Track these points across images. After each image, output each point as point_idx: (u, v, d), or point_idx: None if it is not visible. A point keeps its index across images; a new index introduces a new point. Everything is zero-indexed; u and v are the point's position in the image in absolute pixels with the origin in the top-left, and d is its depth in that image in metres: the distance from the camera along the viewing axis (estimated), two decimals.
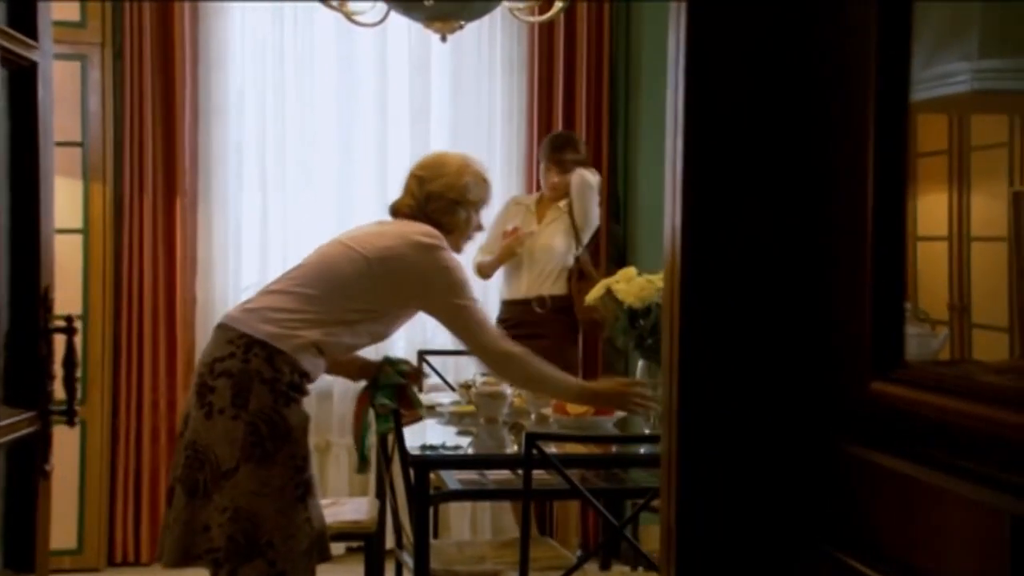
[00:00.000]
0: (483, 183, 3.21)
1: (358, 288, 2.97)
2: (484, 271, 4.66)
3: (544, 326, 4.59)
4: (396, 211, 3.21)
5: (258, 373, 2.82)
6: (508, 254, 4.60)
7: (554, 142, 4.70)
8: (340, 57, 5.15)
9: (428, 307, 3.07)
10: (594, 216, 4.63)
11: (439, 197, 3.14)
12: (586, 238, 4.65)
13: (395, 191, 3.41)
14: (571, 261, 4.65)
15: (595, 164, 5.13)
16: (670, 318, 1.14)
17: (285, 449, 2.83)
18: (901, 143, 0.98)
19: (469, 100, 5.20)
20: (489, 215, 3.76)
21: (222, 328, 2.94)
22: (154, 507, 4.94)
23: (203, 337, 4.94)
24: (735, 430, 1.12)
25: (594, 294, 3.45)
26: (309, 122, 5.15)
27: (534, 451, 2.75)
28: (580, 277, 4.59)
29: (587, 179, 4.59)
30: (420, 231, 3.06)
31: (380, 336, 3.12)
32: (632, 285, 3.30)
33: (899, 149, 0.98)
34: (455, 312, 3.02)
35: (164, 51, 4.94)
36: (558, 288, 4.62)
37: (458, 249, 3.19)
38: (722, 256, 1.10)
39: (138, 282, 4.92)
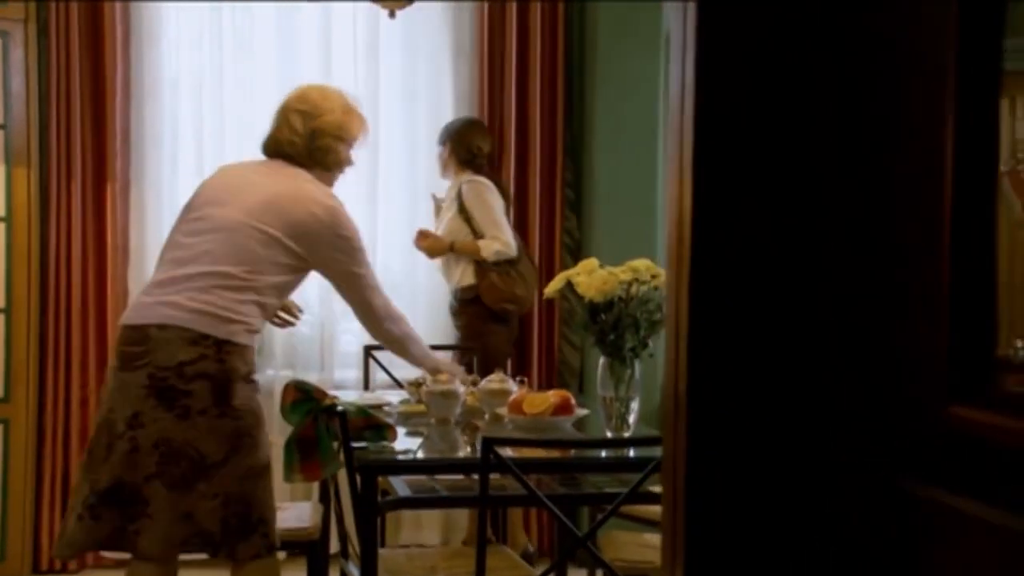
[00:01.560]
0: (361, 119, 3.26)
1: (276, 263, 3.02)
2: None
3: (458, 316, 4.62)
4: (277, 150, 3.16)
5: (235, 371, 2.91)
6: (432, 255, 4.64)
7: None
8: (282, 36, 4.92)
9: (328, 272, 3.16)
10: (499, 219, 4.58)
11: (323, 135, 3.15)
12: (499, 233, 4.57)
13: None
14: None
15: (549, 152, 4.96)
16: (675, 332, 0.95)
17: (263, 433, 2.99)
18: (989, 113, 0.80)
19: (418, 85, 4.99)
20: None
21: (173, 329, 2.87)
22: None
23: None
24: (762, 463, 0.93)
25: (552, 287, 3.26)
26: (248, 104, 4.89)
27: (491, 456, 2.56)
28: (493, 266, 4.57)
29: (469, 188, 4.57)
30: (321, 195, 3.10)
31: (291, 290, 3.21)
32: (593, 278, 3.11)
33: (987, 122, 0.79)
34: (354, 279, 3.16)
35: (93, 27, 4.68)
36: (466, 278, 4.59)
37: (331, 186, 3.25)
38: (751, 253, 0.91)
39: (66, 273, 4.68)
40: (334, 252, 3.09)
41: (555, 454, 2.97)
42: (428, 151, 4.88)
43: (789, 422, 0.93)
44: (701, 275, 0.91)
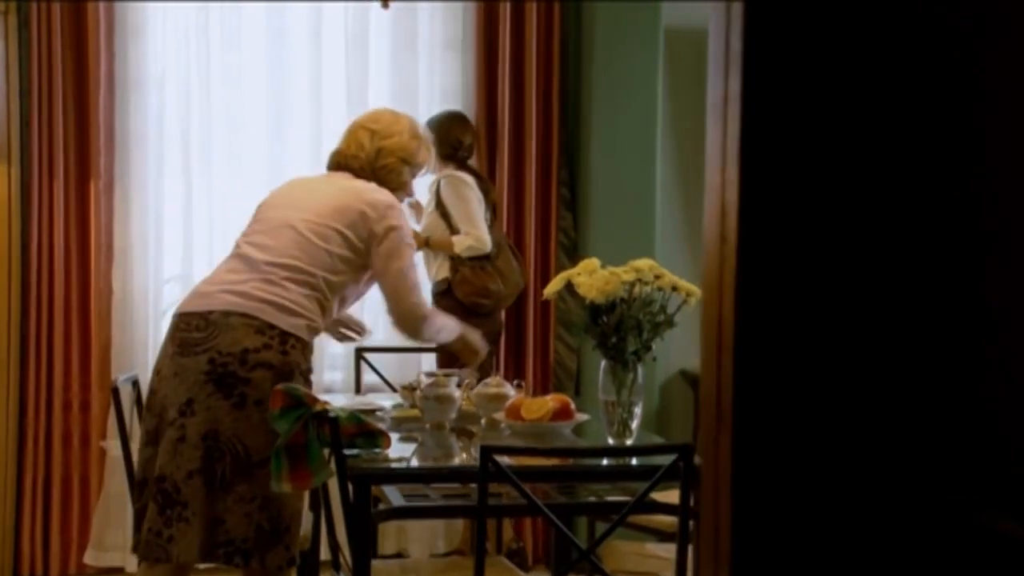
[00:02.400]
0: (428, 149, 3.34)
1: (333, 255, 3.06)
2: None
3: None
4: (343, 164, 3.23)
5: (298, 365, 2.94)
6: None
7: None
8: (270, 28, 4.79)
9: (376, 265, 3.14)
10: (474, 214, 4.51)
11: (389, 154, 3.22)
12: (472, 228, 4.50)
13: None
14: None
15: (544, 148, 4.86)
16: (717, 343, 0.83)
17: None
18: None
19: (410, 77, 4.87)
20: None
21: (238, 316, 2.91)
22: (65, 517, 4.60)
23: (120, 332, 4.64)
24: (817, 488, 0.82)
25: (551, 288, 3.15)
26: (236, 99, 4.78)
27: (490, 465, 2.45)
28: (467, 260, 4.51)
29: (444, 183, 4.51)
30: (378, 191, 3.15)
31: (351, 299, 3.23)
32: (595, 278, 3.00)
33: None
34: (400, 276, 3.14)
35: (76, 20, 4.54)
36: (441, 272, 4.55)
37: None
38: (811, 252, 0.80)
39: (48, 273, 4.55)
40: (385, 242, 3.10)
41: (555, 461, 2.87)
42: None
43: (852, 445, 0.82)
44: (750, 279, 0.80)
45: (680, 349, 4.56)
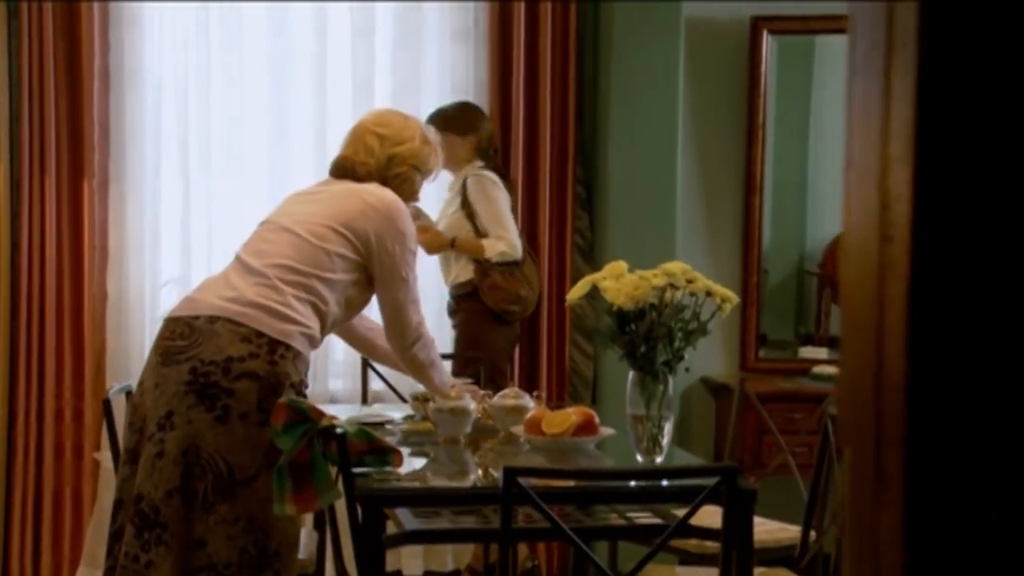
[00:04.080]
0: (437, 154, 3.15)
1: (330, 254, 2.86)
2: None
3: (455, 315, 4.36)
4: (348, 170, 3.01)
5: (287, 377, 2.72)
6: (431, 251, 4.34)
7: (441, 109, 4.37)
8: (272, 20, 4.59)
9: (376, 269, 2.94)
10: (505, 217, 4.30)
11: (402, 163, 3.03)
12: (505, 233, 4.29)
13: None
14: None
15: (560, 145, 4.65)
16: (876, 356, 0.61)
17: None
18: None
19: (417, 71, 4.66)
20: None
21: (224, 322, 2.71)
22: (56, 532, 4.44)
23: (115, 338, 4.49)
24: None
25: (575, 293, 2.93)
26: (237, 94, 4.58)
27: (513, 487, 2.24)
28: (496, 265, 4.29)
29: (474, 183, 4.29)
30: (379, 190, 2.97)
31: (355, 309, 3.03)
32: (623, 283, 2.79)
33: None
34: (398, 285, 2.95)
35: (69, 10, 4.36)
36: (463, 274, 4.32)
37: None
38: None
39: (39, 275, 4.39)
40: (387, 242, 2.91)
41: (582, 482, 2.65)
42: None
43: None
44: (929, 293, 0.58)
45: (701, 355, 4.35)
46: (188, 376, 2.66)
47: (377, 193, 2.96)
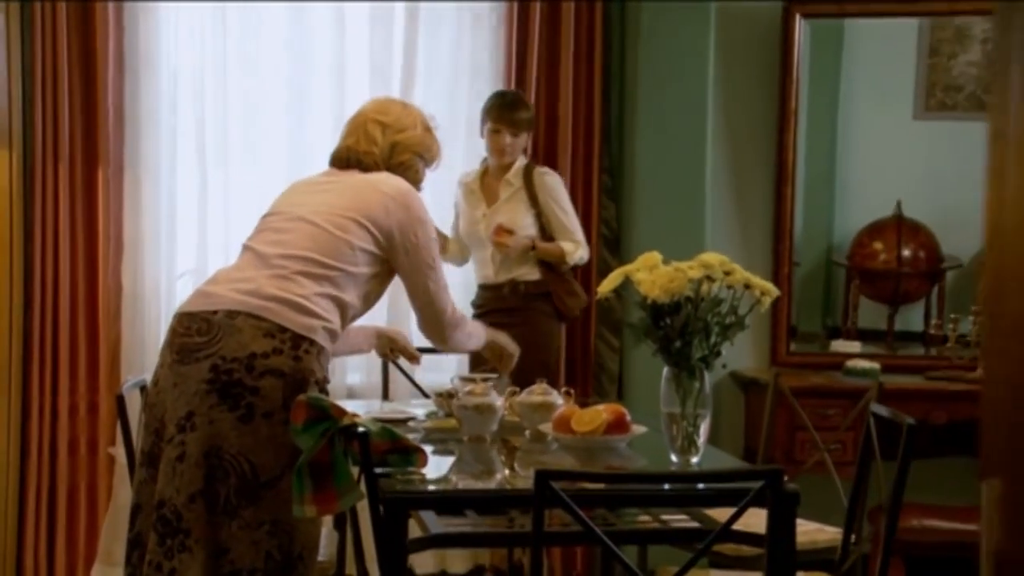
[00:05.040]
0: (438, 141, 3.12)
1: (352, 247, 2.79)
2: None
3: (517, 314, 4.23)
4: (353, 160, 2.94)
5: (312, 373, 2.65)
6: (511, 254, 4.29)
7: (504, 99, 4.27)
8: (290, 7, 4.52)
9: (399, 261, 2.88)
10: (578, 225, 4.33)
11: (405, 150, 2.99)
12: (582, 239, 4.32)
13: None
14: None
15: (585, 131, 4.56)
16: None
17: None
18: None
19: (437, 54, 4.58)
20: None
21: (244, 317, 2.62)
22: (71, 529, 4.41)
23: (130, 330, 4.47)
24: None
25: (607, 286, 2.82)
26: (255, 82, 4.53)
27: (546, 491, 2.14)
28: (550, 268, 4.30)
29: (550, 182, 4.29)
30: (393, 179, 2.92)
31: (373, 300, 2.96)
32: (657, 275, 2.67)
33: None
34: (426, 273, 2.91)
35: None
36: (531, 273, 4.27)
37: None
38: None
39: (52, 266, 4.35)
40: (409, 233, 2.85)
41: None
42: (443, 128, 4.47)
43: None
44: None
45: (730, 349, 4.26)
46: (209, 374, 2.57)
47: (391, 183, 2.89)
